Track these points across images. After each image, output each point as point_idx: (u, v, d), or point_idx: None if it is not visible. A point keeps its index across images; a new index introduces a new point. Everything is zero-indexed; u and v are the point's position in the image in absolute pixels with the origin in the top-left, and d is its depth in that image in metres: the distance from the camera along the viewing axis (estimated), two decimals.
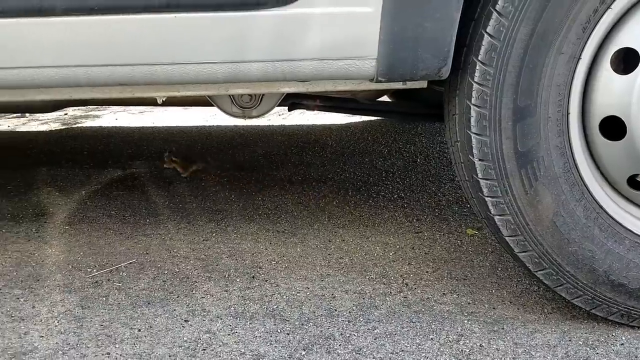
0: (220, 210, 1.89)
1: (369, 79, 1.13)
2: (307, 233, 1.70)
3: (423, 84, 1.21)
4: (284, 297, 1.34)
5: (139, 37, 1.11)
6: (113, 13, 1.08)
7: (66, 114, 3.72)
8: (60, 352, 1.14)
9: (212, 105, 1.57)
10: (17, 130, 3.22)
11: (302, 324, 1.23)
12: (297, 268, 1.48)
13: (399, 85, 1.22)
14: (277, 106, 1.52)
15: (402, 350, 1.13)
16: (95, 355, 1.13)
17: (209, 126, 3.25)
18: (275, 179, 2.20)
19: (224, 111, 1.47)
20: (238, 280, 1.42)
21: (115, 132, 3.12)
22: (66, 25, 1.09)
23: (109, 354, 1.13)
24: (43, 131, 3.18)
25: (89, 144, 2.84)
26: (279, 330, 1.20)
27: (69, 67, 1.12)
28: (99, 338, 1.18)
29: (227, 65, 1.11)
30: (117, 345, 1.16)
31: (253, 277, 1.44)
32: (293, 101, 1.60)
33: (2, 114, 3.70)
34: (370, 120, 3.30)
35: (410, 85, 1.21)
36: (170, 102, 1.85)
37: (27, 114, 3.62)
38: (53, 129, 3.24)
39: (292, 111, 1.76)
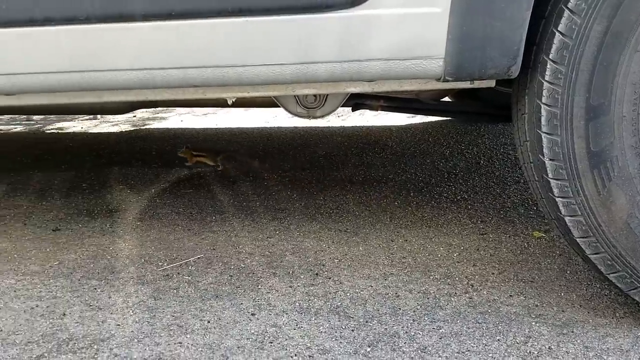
0: (282, 209, 1.93)
1: (436, 78, 1.14)
2: (369, 232, 1.71)
3: (491, 83, 1.21)
4: (348, 294, 1.36)
5: (211, 41, 1.15)
6: (188, 18, 1.13)
7: (135, 116, 3.88)
8: (135, 340, 1.20)
9: (278, 106, 1.61)
10: (90, 131, 3.39)
11: (367, 321, 1.24)
12: (360, 266, 1.50)
13: (466, 85, 1.21)
14: (341, 106, 1.54)
15: (469, 350, 1.13)
16: (168, 344, 1.18)
17: (270, 127, 3.32)
18: (336, 179, 2.22)
19: (289, 111, 1.50)
20: (302, 276, 1.45)
21: (181, 134, 3.23)
22: (144, 30, 1.14)
23: (180, 343, 1.18)
24: (114, 132, 3.33)
25: (157, 145, 2.95)
26: (344, 327, 1.22)
27: (147, 70, 1.18)
28: (171, 328, 1.24)
29: (295, 66, 1.14)
30: (188, 336, 1.21)
31: (317, 274, 1.46)
32: (357, 101, 1.61)
33: (75, 116, 3.90)
34: (431, 122, 3.27)
35: (477, 84, 1.21)
36: (238, 103, 1.91)
37: (98, 116, 3.80)
38: (123, 130, 3.39)
39: (355, 112, 1.75)
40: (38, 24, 1.14)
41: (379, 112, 2.06)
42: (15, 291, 1.41)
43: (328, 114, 1.49)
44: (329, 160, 2.50)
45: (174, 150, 2.80)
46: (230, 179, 2.26)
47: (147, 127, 3.46)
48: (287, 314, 1.28)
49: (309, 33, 1.12)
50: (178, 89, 1.28)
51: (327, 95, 1.46)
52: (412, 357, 1.12)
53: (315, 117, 1.49)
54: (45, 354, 1.15)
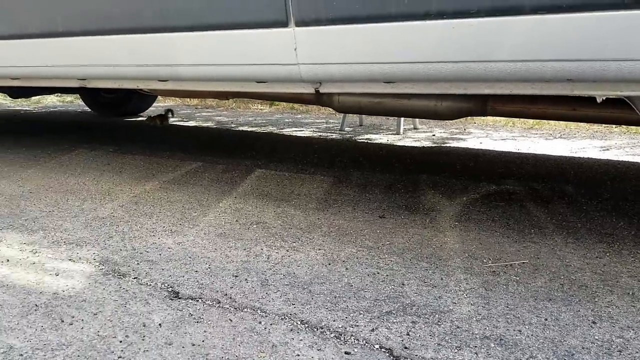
0: (609, 234, 1.79)
1: None
2: None
3: None
4: None
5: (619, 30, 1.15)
6: (578, 10, 1.15)
7: (434, 135, 4.06)
8: (474, 318, 1.24)
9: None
10: (395, 144, 3.65)
11: None
12: None
13: None
14: None
15: None
16: (507, 329, 1.19)
17: (578, 157, 3.13)
18: None
19: None
20: None
21: (482, 154, 3.26)
22: (529, 23, 1.20)
23: (520, 331, 1.18)
24: (417, 147, 3.52)
25: (460, 161, 3.03)
26: None
27: (523, 62, 1.22)
28: (507, 317, 1.25)
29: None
30: (526, 327, 1.20)
31: None
32: None
33: (381, 129, 4.25)
34: None
35: None
36: (577, 117, 1.85)
37: (401, 131, 4.07)
38: (425, 145, 3.56)
39: None
40: (430, 18, 1.28)
41: None
42: (357, 258, 1.59)
43: None
44: None
45: (478, 167, 2.85)
46: (544, 199, 2.20)
47: (447, 145, 3.58)
48: (633, 329, 1.18)
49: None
50: (545, 84, 1.30)
51: None
52: None
53: None
54: (393, 312, 1.27)
